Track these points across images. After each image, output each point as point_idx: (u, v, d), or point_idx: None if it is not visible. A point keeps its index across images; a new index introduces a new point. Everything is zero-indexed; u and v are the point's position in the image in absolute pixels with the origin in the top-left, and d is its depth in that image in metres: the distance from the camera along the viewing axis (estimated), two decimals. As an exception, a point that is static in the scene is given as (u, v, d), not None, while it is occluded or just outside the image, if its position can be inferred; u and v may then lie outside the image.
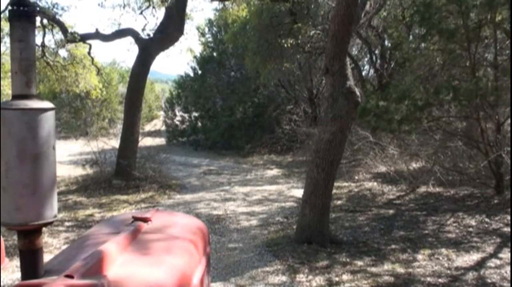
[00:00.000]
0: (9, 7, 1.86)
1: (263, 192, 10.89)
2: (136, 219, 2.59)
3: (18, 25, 1.84)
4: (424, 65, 10.29)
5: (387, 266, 5.91)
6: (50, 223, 1.90)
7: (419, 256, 6.25)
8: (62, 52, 14.71)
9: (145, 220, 2.59)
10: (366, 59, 17.39)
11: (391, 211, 8.71)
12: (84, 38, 12.01)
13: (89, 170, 12.14)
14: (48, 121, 1.87)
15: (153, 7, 12.54)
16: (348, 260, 6.14)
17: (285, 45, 12.50)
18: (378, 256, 6.27)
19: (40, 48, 13.28)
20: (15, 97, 1.84)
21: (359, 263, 6.03)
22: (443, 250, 6.45)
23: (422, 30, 10.69)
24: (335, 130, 6.56)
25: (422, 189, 10.11)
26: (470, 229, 7.48)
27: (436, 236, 7.17)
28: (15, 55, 1.84)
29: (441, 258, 6.19)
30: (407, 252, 6.42)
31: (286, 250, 6.50)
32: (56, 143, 1.94)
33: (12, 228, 1.85)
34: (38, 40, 13.21)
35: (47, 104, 1.89)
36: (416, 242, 6.87)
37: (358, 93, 6.63)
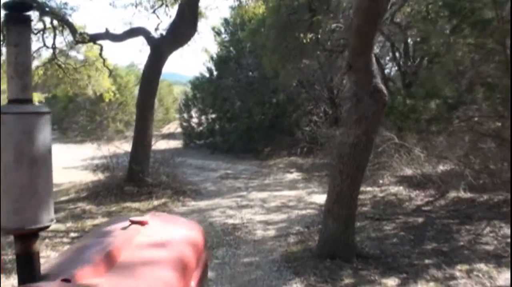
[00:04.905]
0: (5, 12, 1.86)
1: (282, 198, 10.29)
2: (133, 222, 2.60)
3: (13, 29, 1.85)
4: (454, 60, 9.63)
5: (421, 286, 5.28)
6: (47, 227, 1.89)
7: (457, 273, 5.60)
8: (75, 54, 14.41)
9: (142, 223, 2.61)
10: (387, 57, 16.72)
11: (420, 219, 8.06)
12: (94, 38, 11.58)
13: (100, 176, 11.69)
14: (45, 125, 1.87)
15: (166, 6, 12.08)
16: (376, 278, 5.50)
17: (304, 41, 11.87)
18: (410, 273, 5.61)
19: (51, 50, 12.95)
20: (11, 101, 1.86)
21: (390, 282, 5.38)
22: (482, 266, 5.79)
23: (449, 26, 10.09)
24: (360, 133, 5.93)
25: (452, 194, 9.42)
26: (509, 240, 6.79)
27: (473, 248, 6.52)
28: (11, 60, 1.85)
29: (481, 275, 5.53)
30: (442, 268, 5.76)
31: (307, 266, 5.87)
32: (52, 147, 1.92)
33: (9, 232, 1.86)
34: (49, 42, 12.87)
35: (43, 108, 1.93)
36: (451, 255, 6.21)
37: (385, 92, 6.00)
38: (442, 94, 8.26)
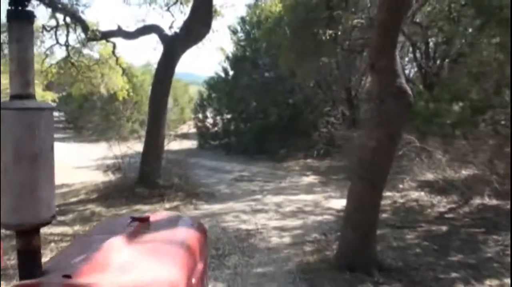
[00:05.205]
0: (8, 7, 1.83)
1: (298, 203, 9.90)
2: (134, 219, 2.60)
3: (16, 25, 1.84)
4: (479, 61, 9.20)
5: (448, 303, 4.89)
6: (48, 223, 1.90)
7: (487, 290, 5.21)
8: (89, 52, 14.20)
9: (144, 221, 2.60)
10: (407, 58, 16.26)
11: (444, 228, 7.64)
12: (106, 35, 11.35)
13: (111, 177, 11.42)
14: (47, 121, 1.87)
15: (181, 3, 11.82)
16: (400, 294, 5.13)
17: (323, 38, 11.48)
18: (435, 288, 5.24)
19: (64, 48, 12.75)
20: (13, 97, 1.85)
21: (414, 299, 5.02)
22: (514, 281, 5.39)
23: (473, 25, 9.67)
24: (383, 136, 5.55)
25: (477, 200, 8.96)
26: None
27: (502, 260, 6.08)
28: (13, 56, 1.85)
29: (513, 291, 5.14)
30: (470, 282, 5.35)
31: (325, 278, 5.49)
32: (54, 143, 1.91)
33: (9, 228, 1.86)
34: (62, 39, 12.68)
35: (46, 104, 1.93)
36: (479, 268, 5.79)
37: (410, 93, 5.60)
38: (468, 97, 7.83)
